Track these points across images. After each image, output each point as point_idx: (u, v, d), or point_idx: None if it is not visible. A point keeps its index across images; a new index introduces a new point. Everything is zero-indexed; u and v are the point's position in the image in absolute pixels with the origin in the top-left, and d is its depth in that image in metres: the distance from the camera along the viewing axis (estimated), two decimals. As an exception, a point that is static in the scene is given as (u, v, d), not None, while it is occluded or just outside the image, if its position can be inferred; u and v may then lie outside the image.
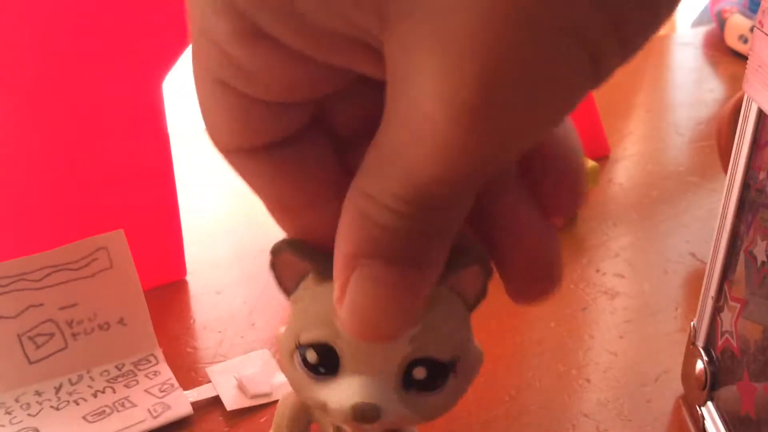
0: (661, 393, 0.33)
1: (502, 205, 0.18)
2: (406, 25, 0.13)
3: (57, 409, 0.32)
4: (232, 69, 0.15)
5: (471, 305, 0.21)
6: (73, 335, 0.33)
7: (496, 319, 0.37)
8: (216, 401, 0.33)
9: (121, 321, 0.34)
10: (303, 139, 0.18)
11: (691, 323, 0.31)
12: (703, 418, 0.29)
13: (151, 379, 0.34)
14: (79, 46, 0.34)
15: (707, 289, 0.29)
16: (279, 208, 0.19)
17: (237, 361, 0.35)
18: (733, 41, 0.73)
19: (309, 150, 0.18)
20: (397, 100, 0.15)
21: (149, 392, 0.33)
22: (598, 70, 0.14)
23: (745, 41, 0.71)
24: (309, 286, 0.21)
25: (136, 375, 0.34)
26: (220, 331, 0.37)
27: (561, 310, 0.38)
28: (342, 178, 0.18)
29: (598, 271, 0.41)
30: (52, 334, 0.33)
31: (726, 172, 0.28)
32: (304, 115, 0.17)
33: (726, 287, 0.28)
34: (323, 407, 0.22)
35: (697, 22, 0.91)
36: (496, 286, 0.20)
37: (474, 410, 0.32)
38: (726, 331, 0.28)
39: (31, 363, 0.32)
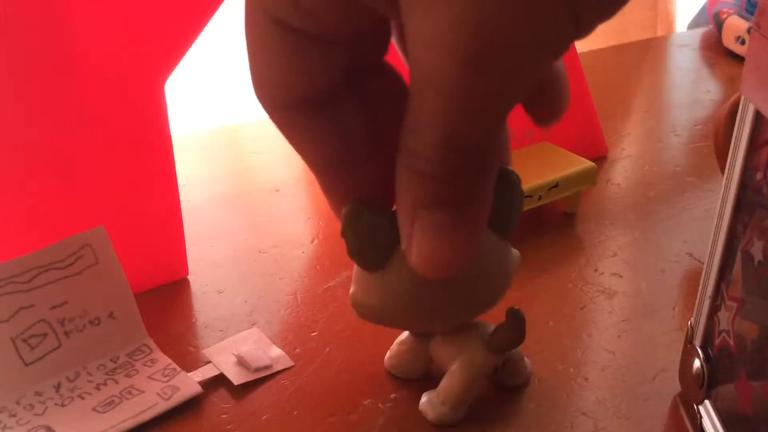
0: (658, 391, 0.33)
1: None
2: None
3: (62, 405, 0.32)
4: (290, 7, 0.18)
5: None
6: (66, 333, 0.33)
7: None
8: (218, 381, 0.34)
9: (110, 315, 0.35)
10: (342, 102, 0.21)
11: (689, 322, 0.31)
12: (701, 417, 0.30)
13: (150, 366, 0.34)
14: (82, 47, 0.34)
15: (704, 289, 0.29)
16: (325, 167, 0.22)
17: (231, 340, 0.36)
18: (730, 42, 0.73)
19: (348, 111, 0.21)
20: (412, 51, 0.17)
21: (153, 378, 0.33)
22: (578, 24, 0.16)
23: (742, 42, 0.71)
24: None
25: (133, 365, 0.34)
26: (221, 330, 0.37)
27: (559, 309, 0.38)
28: (376, 140, 0.22)
29: (596, 270, 0.42)
30: (45, 335, 0.33)
31: (723, 173, 0.28)
32: (343, 60, 0.20)
33: (723, 286, 0.28)
34: None
35: (695, 24, 0.91)
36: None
37: (473, 409, 0.32)
38: (723, 330, 0.28)
39: (26, 365, 0.32)
